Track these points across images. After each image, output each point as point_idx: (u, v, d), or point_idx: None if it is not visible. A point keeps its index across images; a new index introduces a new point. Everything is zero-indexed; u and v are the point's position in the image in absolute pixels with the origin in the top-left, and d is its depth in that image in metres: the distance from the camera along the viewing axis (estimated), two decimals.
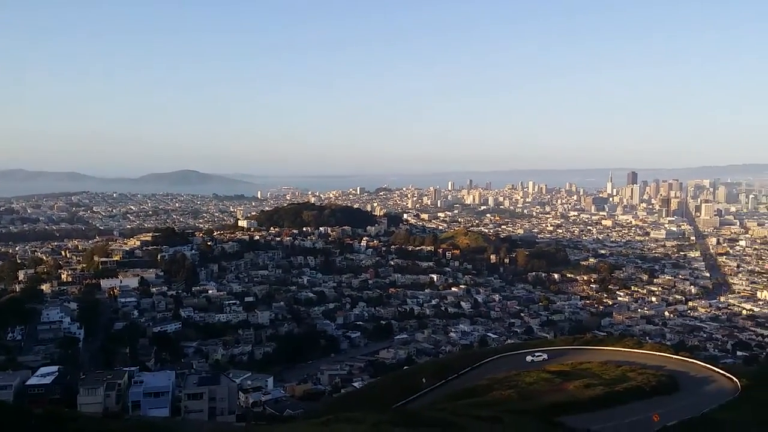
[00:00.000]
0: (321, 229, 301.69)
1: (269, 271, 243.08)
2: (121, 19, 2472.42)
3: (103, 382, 66.05)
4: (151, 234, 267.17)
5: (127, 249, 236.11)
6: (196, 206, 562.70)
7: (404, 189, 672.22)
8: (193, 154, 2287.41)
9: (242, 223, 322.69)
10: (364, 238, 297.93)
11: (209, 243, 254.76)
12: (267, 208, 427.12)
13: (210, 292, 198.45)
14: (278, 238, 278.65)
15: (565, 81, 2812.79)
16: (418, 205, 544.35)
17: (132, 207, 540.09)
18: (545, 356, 68.07)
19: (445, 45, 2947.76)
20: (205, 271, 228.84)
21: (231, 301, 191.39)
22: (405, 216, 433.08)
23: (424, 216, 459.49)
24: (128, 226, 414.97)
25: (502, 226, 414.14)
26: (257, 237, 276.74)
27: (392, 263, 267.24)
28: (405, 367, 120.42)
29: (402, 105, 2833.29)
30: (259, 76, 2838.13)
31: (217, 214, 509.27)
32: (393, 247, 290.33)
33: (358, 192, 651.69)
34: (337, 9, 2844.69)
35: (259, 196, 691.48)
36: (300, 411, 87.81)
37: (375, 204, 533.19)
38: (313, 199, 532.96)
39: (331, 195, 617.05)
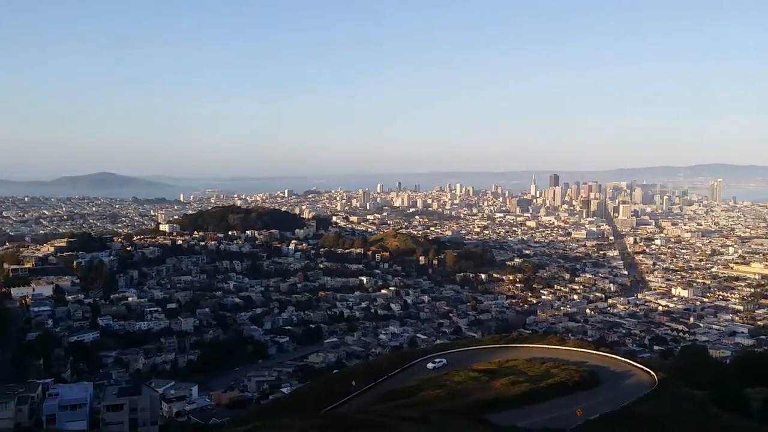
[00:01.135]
0: (248, 232, 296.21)
1: (193, 277, 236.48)
2: (32, 15, 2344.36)
3: (14, 395, 62.44)
4: (66, 239, 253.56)
5: (41, 255, 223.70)
6: (114, 210, 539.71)
7: (333, 191, 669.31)
8: (111, 156, 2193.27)
9: (164, 227, 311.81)
10: (292, 242, 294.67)
11: (129, 248, 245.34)
12: (190, 212, 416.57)
13: (130, 299, 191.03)
14: (202, 243, 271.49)
15: (492, 85, 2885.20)
16: (347, 208, 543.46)
17: (45, 212, 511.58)
18: (444, 361, 67.85)
19: (373, 49, 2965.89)
20: (124, 277, 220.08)
21: (152, 308, 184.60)
22: (334, 219, 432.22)
23: (354, 218, 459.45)
24: (41, 232, 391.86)
25: (431, 228, 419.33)
26: (180, 241, 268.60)
27: (321, 266, 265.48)
28: (335, 371, 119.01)
29: (330, 108, 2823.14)
30: (179, 76, 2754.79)
31: (137, 218, 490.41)
32: (322, 250, 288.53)
33: (286, 194, 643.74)
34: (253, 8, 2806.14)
35: (181, 199, 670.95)
36: (226, 419, 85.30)
37: (304, 207, 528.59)
38: (239, 202, 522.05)
39: (258, 198, 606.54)
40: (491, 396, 54.33)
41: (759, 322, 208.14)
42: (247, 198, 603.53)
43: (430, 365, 66.39)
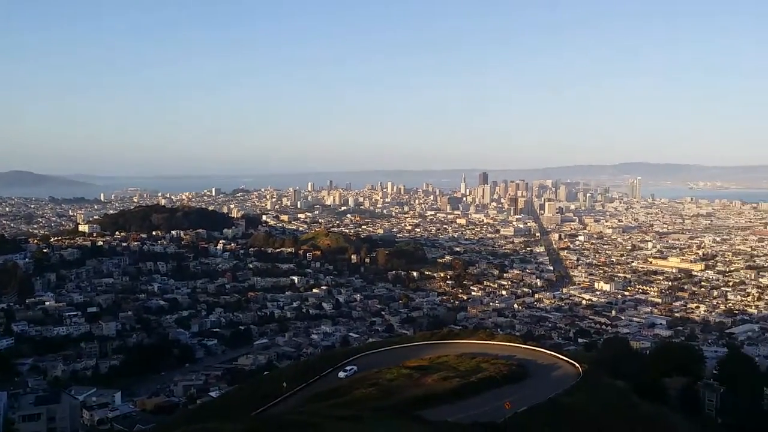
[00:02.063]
0: (173, 232, 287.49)
1: (115, 279, 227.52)
2: None
3: None
4: None
5: None
6: (29, 210, 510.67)
7: (263, 190, 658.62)
8: (25, 153, 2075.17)
9: (83, 227, 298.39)
10: (220, 241, 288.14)
11: (45, 250, 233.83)
12: (112, 212, 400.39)
13: (47, 303, 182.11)
14: (125, 244, 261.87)
15: (423, 86, 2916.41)
16: (277, 207, 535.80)
17: None
18: (355, 368, 67.35)
19: (304, 45, 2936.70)
20: (41, 281, 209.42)
21: (72, 313, 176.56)
22: (264, 217, 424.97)
23: (284, 217, 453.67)
24: None
25: (363, 227, 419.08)
26: (101, 243, 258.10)
27: (251, 266, 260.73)
28: (265, 373, 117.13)
29: (258, 106, 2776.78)
30: (95, 71, 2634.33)
31: (54, 218, 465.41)
32: (252, 249, 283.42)
33: (214, 193, 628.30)
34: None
35: (102, 199, 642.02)
36: (152, 426, 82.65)
37: (232, 206, 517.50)
38: (163, 201, 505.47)
39: (183, 197, 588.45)
40: (423, 392, 54.41)
41: (676, 314, 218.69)
42: (173, 197, 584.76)
43: (341, 374, 64.90)
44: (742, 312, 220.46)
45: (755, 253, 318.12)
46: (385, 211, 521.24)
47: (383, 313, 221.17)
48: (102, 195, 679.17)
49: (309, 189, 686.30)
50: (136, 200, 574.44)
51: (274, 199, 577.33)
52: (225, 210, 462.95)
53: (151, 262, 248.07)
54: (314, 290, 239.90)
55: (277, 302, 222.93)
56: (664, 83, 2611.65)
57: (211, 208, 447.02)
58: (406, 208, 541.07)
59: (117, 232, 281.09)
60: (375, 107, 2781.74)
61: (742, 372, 74.61)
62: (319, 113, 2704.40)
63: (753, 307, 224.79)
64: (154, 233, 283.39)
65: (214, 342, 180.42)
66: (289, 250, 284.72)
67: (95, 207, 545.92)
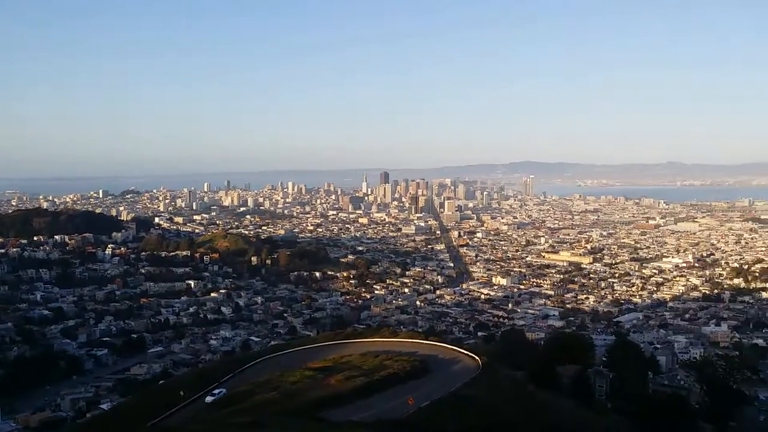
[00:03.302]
0: (56, 237, 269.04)
1: None
2: None
3: None
4: None
5: None
6: None
7: (155, 191, 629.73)
8: None
9: None
10: (109, 246, 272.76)
11: None
12: None
13: None
14: (2, 250, 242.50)
15: (324, 85, 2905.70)
16: (171, 208, 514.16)
17: None
18: (224, 390, 65.16)
19: (197, 47, 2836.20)
20: None
21: None
22: (157, 220, 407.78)
23: (179, 219, 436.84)
24: None
25: (263, 227, 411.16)
26: None
27: (143, 271, 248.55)
28: (161, 382, 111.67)
29: (147, 105, 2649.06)
30: None
31: None
32: (144, 253, 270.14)
33: (101, 195, 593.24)
34: None
35: None
36: None
37: (121, 208, 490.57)
38: (45, 204, 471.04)
39: (68, 199, 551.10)
40: (327, 393, 53.67)
41: (567, 305, 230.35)
42: (56, 200, 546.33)
43: (209, 399, 61.11)
44: (627, 301, 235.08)
45: (638, 245, 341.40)
46: (286, 212, 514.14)
47: (285, 315, 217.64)
48: None
49: (205, 190, 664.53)
50: (14, 204, 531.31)
51: (167, 201, 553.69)
52: (114, 213, 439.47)
53: (32, 270, 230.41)
54: (212, 294, 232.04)
55: (173, 308, 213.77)
56: (554, 84, 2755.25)
57: (98, 210, 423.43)
58: (307, 208, 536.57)
59: None
60: (272, 106, 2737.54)
61: (628, 358, 79.25)
62: (214, 112, 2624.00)
63: (637, 297, 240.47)
64: (35, 238, 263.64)
65: (104, 352, 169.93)
66: (184, 253, 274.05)
67: None
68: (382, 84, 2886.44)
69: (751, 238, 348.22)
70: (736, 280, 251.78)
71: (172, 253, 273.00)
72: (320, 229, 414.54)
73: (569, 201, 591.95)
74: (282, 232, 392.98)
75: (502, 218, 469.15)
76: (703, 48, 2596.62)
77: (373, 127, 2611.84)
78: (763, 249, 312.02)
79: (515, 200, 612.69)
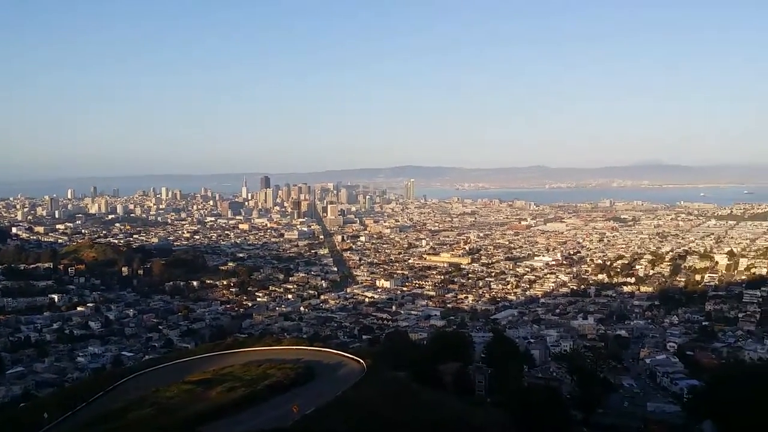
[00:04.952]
0: None
1: None
2: None
3: None
4: None
5: None
6: None
7: (11, 199, 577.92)
8: None
9: None
10: None
11: None
12: None
13: None
14: None
15: (196, 86, 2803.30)
16: (30, 217, 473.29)
17: None
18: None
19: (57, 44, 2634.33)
20: None
21: None
22: (14, 230, 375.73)
23: (40, 229, 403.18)
24: None
25: (135, 236, 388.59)
26: None
27: (0, 286, 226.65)
28: (21, 405, 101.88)
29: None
30: None
31: None
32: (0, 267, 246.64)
33: None
34: None
35: None
36: None
37: None
38: None
39: None
40: (207, 407, 51.43)
41: (448, 305, 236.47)
42: None
43: None
44: (503, 299, 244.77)
45: (512, 245, 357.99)
46: (159, 219, 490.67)
47: (161, 327, 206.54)
48: None
49: (69, 197, 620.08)
50: None
51: (26, 209, 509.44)
52: None
53: None
54: (79, 308, 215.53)
55: (34, 324, 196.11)
56: (433, 91, 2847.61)
57: None
58: (183, 215, 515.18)
59: None
60: (141, 107, 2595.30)
61: (505, 353, 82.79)
62: (76, 114, 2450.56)
63: (512, 294, 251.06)
64: None
65: None
66: (46, 265, 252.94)
67: None
68: (263, 87, 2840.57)
69: (613, 236, 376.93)
70: (600, 276, 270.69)
71: (32, 266, 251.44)
72: (197, 237, 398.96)
73: (448, 204, 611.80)
74: (156, 240, 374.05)
75: (385, 222, 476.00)
76: (564, 55, 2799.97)
77: (253, 130, 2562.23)
78: (623, 246, 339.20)
79: (397, 204, 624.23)
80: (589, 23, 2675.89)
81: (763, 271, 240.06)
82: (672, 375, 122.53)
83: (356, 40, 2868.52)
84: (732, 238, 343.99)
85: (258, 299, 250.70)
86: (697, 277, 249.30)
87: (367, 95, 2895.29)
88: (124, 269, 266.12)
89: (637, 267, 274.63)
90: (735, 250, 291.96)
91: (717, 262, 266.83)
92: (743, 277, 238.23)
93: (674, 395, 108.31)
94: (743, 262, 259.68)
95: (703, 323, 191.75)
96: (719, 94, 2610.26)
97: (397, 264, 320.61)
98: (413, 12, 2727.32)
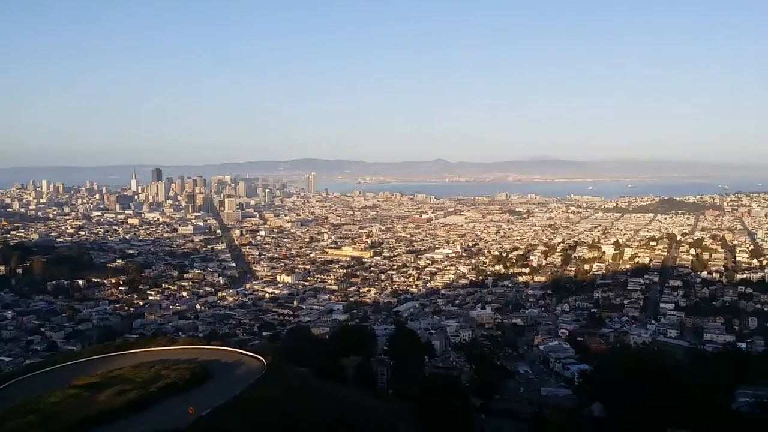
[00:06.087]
0: None
1: None
2: None
3: None
4: None
5: None
6: None
7: None
8: None
9: None
10: None
11: None
12: None
13: None
14: None
15: (79, 72, 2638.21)
16: None
17: None
18: None
19: None
20: None
21: None
22: None
23: None
24: None
25: (12, 232, 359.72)
26: None
27: None
28: None
29: None
30: None
31: None
32: None
33: None
34: None
35: None
36: None
37: None
38: None
39: None
40: (95, 411, 48.19)
41: (351, 299, 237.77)
42: None
43: None
44: (405, 291, 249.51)
45: (414, 238, 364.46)
46: (40, 213, 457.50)
47: (43, 329, 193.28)
48: None
49: None
50: None
51: None
52: None
53: None
54: None
55: None
56: (332, 86, 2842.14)
57: None
58: (66, 209, 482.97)
59: None
60: (21, 94, 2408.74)
61: (406, 345, 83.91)
62: None
63: (414, 287, 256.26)
64: None
65: None
66: None
67: None
68: (155, 74, 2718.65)
69: (509, 229, 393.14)
70: (497, 267, 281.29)
71: None
72: (82, 232, 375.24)
73: (350, 197, 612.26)
74: (36, 236, 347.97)
75: (285, 215, 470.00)
76: (462, 51, 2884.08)
77: (143, 121, 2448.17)
78: (519, 238, 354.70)
79: (298, 197, 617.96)
80: (486, 21, 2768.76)
81: (646, 260, 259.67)
82: (564, 360, 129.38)
83: (254, 36, 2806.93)
84: (618, 229, 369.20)
85: (150, 298, 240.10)
86: (586, 267, 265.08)
87: (265, 88, 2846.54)
88: (1, 268, 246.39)
89: (531, 258, 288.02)
90: (620, 240, 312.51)
91: (604, 252, 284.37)
92: (628, 266, 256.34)
93: (566, 380, 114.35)
94: (628, 252, 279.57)
95: (592, 310, 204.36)
96: (607, 90, 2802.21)
97: (299, 258, 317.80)
98: (313, 9, 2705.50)
